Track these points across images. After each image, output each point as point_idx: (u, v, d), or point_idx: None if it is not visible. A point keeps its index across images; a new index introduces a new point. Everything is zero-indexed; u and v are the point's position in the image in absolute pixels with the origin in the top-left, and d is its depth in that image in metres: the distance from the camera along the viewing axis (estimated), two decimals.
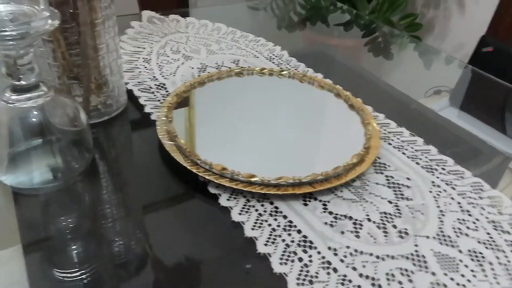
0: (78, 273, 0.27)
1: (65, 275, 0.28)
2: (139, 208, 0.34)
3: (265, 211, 0.33)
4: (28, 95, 0.31)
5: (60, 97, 0.34)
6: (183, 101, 0.45)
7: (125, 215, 0.33)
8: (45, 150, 0.34)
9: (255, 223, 0.32)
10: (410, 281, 0.28)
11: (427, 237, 0.32)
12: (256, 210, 0.33)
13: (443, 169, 0.39)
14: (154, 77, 0.50)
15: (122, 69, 0.43)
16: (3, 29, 0.26)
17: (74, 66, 0.38)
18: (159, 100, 0.46)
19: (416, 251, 0.30)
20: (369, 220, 0.33)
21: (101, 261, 0.29)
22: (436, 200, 0.35)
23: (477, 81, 0.78)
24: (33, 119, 0.32)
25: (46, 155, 0.34)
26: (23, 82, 0.30)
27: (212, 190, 0.34)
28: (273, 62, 0.57)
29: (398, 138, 0.43)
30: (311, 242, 0.30)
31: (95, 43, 0.38)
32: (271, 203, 0.33)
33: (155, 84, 0.49)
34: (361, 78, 0.58)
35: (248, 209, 0.33)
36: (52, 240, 0.30)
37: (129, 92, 0.47)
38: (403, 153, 0.41)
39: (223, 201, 0.33)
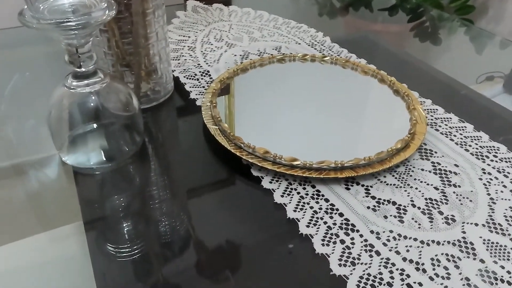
0: (130, 249, 0.30)
1: (119, 250, 0.30)
2: (184, 190, 0.36)
3: (307, 194, 0.33)
4: (87, 81, 0.33)
5: (115, 83, 0.36)
6: (226, 87, 0.46)
7: (171, 196, 0.35)
8: (100, 133, 0.36)
9: (297, 205, 0.32)
10: (457, 267, 0.28)
11: (476, 224, 0.31)
12: (298, 193, 0.33)
13: (495, 156, 0.37)
14: (198, 64, 0.52)
15: (170, 57, 0.45)
16: (67, 19, 0.28)
17: (127, 54, 0.40)
18: (203, 87, 0.47)
19: (464, 237, 0.30)
20: (413, 205, 0.32)
21: (149, 240, 0.31)
22: (487, 188, 0.34)
23: None
24: (91, 104, 0.35)
25: (101, 138, 0.37)
26: (83, 69, 0.33)
27: (255, 173, 0.35)
28: (315, 48, 0.56)
29: (446, 124, 0.41)
30: (353, 225, 0.30)
31: (146, 32, 0.39)
32: (313, 187, 0.34)
33: (200, 71, 0.50)
34: (407, 63, 0.57)
35: (290, 191, 0.33)
36: (108, 218, 0.33)
37: (175, 79, 0.49)
38: (451, 140, 0.39)
39: (266, 183, 0.34)
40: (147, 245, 0.30)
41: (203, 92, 0.46)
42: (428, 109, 0.44)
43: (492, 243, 0.29)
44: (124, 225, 0.32)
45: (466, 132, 0.40)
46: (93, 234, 0.31)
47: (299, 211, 0.32)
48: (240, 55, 0.54)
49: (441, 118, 0.42)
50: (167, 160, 0.39)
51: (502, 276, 0.27)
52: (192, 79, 0.49)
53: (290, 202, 0.32)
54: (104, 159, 0.36)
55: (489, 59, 0.84)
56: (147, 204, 0.34)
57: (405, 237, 0.30)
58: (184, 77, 0.49)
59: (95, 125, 0.36)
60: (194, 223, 0.32)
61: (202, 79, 0.49)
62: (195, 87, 0.47)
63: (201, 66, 0.51)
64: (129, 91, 0.37)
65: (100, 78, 0.34)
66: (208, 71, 0.50)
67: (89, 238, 0.30)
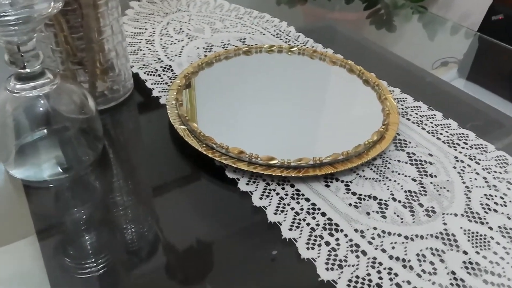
0: (93, 262, 0.27)
1: (80, 264, 0.27)
2: (153, 197, 0.33)
3: (286, 194, 0.32)
4: (33, 83, 0.30)
5: (66, 84, 0.32)
6: (191, 83, 0.43)
7: (139, 204, 0.32)
8: (53, 140, 0.33)
9: (277, 207, 0.30)
10: (442, 261, 0.27)
11: (455, 214, 0.31)
12: (277, 193, 0.32)
13: (465, 143, 0.38)
14: (159, 59, 0.48)
15: (127, 52, 0.41)
16: (4, 13, 0.24)
17: (78, 50, 0.36)
18: (166, 83, 0.44)
19: (445, 229, 0.29)
20: (394, 199, 0.32)
21: (116, 250, 0.28)
22: (461, 176, 0.34)
23: (487, 50, 0.76)
24: (40, 108, 0.31)
25: (54, 145, 0.33)
26: (27, 70, 0.29)
27: (230, 175, 0.33)
28: (281, 39, 0.55)
29: (416, 113, 0.41)
30: (336, 224, 0.29)
31: (99, 26, 0.36)
32: (292, 186, 0.32)
33: (161, 67, 0.47)
34: (371, 51, 0.56)
35: (269, 193, 0.32)
36: (66, 232, 0.29)
37: (135, 76, 0.45)
38: (423, 129, 0.39)
39: (242, 185, 0.32)
40: (114, 256, 0.27)
41: (166, 89, 0.43)
42: (398, 98, 0.44)
43: (472, 233, 0.29)
44: (85, 238, 0.29)
45: (436, 120, 0.41)
46: (49, 250, 0.27)
47: (280, 214, 0.30)
48: (203, 48, 0.51)
49: (411, 107, 0.42)
50: (131, 165, 0.36)
51: (485, 267, 0.27)
52: (154, 75, 0.46)
53: (269, 205, 0.31)
54: (59, 170, 0.32)
55: (443, 45, 0.86)
56: (112, 214, 0.31)
57: (389, 234, 0.29)
58: (145, 73, 0.46)
59: (46, 132, 0.32)
60: (165, 232, 0.30)
61: (164, 74, 0.46)
62: (158, 84, 0.44)
63: (162, 61, 0.48)
64: (84, 91, 0.33)
65: (48, 79, 0.30)
66: (170, 66, 0.47)
67: (45, 256, 0.27)
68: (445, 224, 0.30)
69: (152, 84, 0.44)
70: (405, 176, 0.34)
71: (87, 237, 0.29)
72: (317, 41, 0.55)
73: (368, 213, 0.30)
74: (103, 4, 0.35)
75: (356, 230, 0.29)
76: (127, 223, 0.30)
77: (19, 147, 0.32)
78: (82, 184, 0.33)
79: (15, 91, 0.29)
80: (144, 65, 0.47)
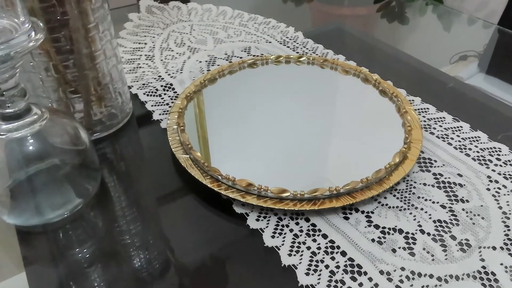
0: None
1: None
2: (159, 235, 0.30)
3: (301, 231, 0.28)
4: (20, 122, 0.27)
5: (56, 117, 0.30)
6: (194, 102, 0.40)
7: (144, 244, 0.29)
8: (46, 180, 0.30)
9: (292, 246, 0.27)
10: None
11: (494, 248, 0.27)
12: (291, 230, 0.29)
13: (498, 159, 0.34)
14: (159, 76, 0.46)
15: (124, 75, 0.38)
16: None
17: (71, 79, 0.33)
18: (167, 104, 0.41)
19: (484, 267, 0.26)
20: (422, 232, 0.28)
21: None
22: (497, 200, 0.30)
23: (509, 43, 0.71)
24: (29, 148, 0.28)
25: (49, 185, 0.30)
26: (10, 110, 0.26)
27: (238, 210, 0.30)
28: (288, 46, 0.51)
29: (440, 126, 0.38)
30: (359, 266, 0.26)
31: (91, 51, 0.33)
32: (307, 220, 0.29)
33: (161, 85, 0.44)
34: (384, 54, 0.52)
35: (282, 229, 0.29)
36: (63, 280, 0.27)
37: (134, 97, 0.42)
38: (449, 144, 0.36)
39: (252, 222, 0.29)
40: None
41: (167, 111, 0.40)
42: (419, 109, 0.40)
43: None
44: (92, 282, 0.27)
45: (463, 133, 0.37)
46: None
47: (295, 255, 0.27)
48: (206, 61, 0.48)
49: (434, 118, 0.39)
50: (133, 200, 0.33)
51: None
52: (154, 95, 0.43)
53: (283, 244, 0.28)
54: (56, 212, 0.30)
55: (460, 37, 0.81)
56: (114, 258, 0.28)
57: (420, 275, 0.26)
58: (144, 93, 0.43)
59: (37, 173, 0.30)
60: (175, 274, 0.27)
61: (165, 94, 0.43)
62: (158, 105, 0.41)
63: (162, 79, 0.45)
64: (75, 124, 0.31)
65: (36, 115, 0.28)
66: (171, 84, 0.44)
67: None
68: (482, 260, 0.26)
69: (152, 106, 0.41)
70: (433, 202, 0.30)
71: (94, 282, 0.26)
72: (327, 46, 0.51)
73: (394, 250, 0.27)
74: (93, 28, 0.32)
75: (381, 272, 0.26)
76: (132, 269, 0.27)
77: (12, 190, 0.30)
78: (81, 224, 0.31)
79: (1, 133, 0.27)
80: (143, 84, 0.44)
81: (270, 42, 0.52)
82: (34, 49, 0.31)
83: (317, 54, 0.49)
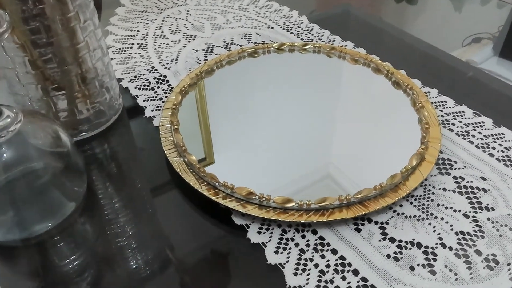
0: None
1: None
2: (150, 245, 0.27)
3: (308, 245, 0.26)
4: None
5: (33, 119, 0.27)
6: (189, 97, 0.37)
7: (135, 255, 0.26)
8: (26, 188, 0.27)
9: (298, 264, 0.25)
10: None
11: None
12: (297, 244, 0.26)
13: None
14: (152, 67, 0.42)
15: (111, 68, 0.35)
16: None
17: (51, 74, 0.30)
18: (161, 99, 0.38)
19: None
20: (443, 246, 0.25)
21: None
22: None
23: None
24: (4, 155, 0.25)
25: (29, 194, 0.27)
26: None
27: (238, 221, 0.27)
28: (292, 33, 0.47)
29: (460, 121, 0.34)
30: (373, 287, 0.23)
31: (72, 43, 0.30)
32: (314, 232, 0.26)
33: (155, 78, 0.41)
34: (395, 40, 0.48)
35: (286, 244, 0.26)
36: None
37: (125, 91, 0.39)
38: (471, 142, 0.32)
39: (253, 235, 0.26)
40: None
41: (161, 107, 0.37)
42: (435, 102, 0.36)
43: None
44: None
45: (485, 129, 0.33)
46: None
47: (301, 274, 0.24)
48: (203, 50, 0.45)
49: (453, 113, 0.35)
50: (123, 205, 0.30)
51: None
52: (146, 88, 0.39)
53: (287, 262, 0.25)
54: (37, 224, 0.27)
55: (473, 18, 0.76)
56: (104, 270, 0.26)
57: None
58: (136, 87, 0.39)
59: (15, 182, 0.27)
60: None
61: (158, 87, 0.40)
62: (151, 100, 0.38)
63: (156, 70, 0.42)
64: (54, 126, 0.28)
65: (8, 118, 0.25)
66: (165, 76, 0.41)
67: None
68: None
69: (144, 101, 0.38)
70: (454, 211, 0.27)
71: None
72: (333, 32, 0.47)
73: (412, 268, 0.24)
74: (73, 17, 0.29)
75: None
76: (124, 279, 0.25)
77: None
78: (69, 234, 0.28)
79: None
80: (135, 76, 0.41)
81: (272, 28, 0.48)
82: (8, 42, 0.28)
83: (323, 41, 0.45)
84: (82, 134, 0.34)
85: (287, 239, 0.26)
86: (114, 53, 0.45)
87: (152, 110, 0.37)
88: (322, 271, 0.24)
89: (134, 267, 0.26)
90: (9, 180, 0.26)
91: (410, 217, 0.27)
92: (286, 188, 0.27)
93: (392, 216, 0.27)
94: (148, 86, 0.40)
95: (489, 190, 0.29)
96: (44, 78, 0.30)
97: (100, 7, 0.54)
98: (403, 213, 0.27)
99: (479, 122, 0.34)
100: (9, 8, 0.26)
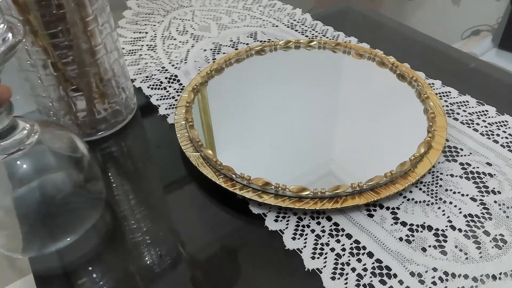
0: None
1: None
2: (171, 236, 0.29)
3: (323, 231, 0.27)
4: (5, 142, 0.23)
5: (49, 130, 0.27)
6: (201, 95, 0.38)
7: (155, 245, 0.28)
8: (46, 205, 0.26)
9: (314, 249, 0.26)
10: None
11: None
12: (313, 230, 0.27)
13: None
14: (163, 67, 0.43)
15: (127, 69, 0.36)
16: None
17: (71, 76, 0.31)
18: (173, 97, 0.39)
19: None
20: (453, 228, 0.27)
21: None
22: None
23: None
24: (21, 170, 0.25)
25: (50, 211, 0.26)
26: None
27: (255, 210, 0.28)
28: (296, 30, 0.49)
29: (464, 111, 0.36)
30: (388, 268, 0.25)
31: (91, 45, 0.31)
32: (329, 219, 0.28)
33: (166, 78, 0.42)
34: (398, 34, 0.50)
35: (303, 230, 0.27)
36: None
37: (138, 91, 0.40)
38: (475, 130, 0.33)
39: (270, 223, 0.27)
40: None
41: (174, 105, 0.38)
42: (440, 93, 0.38)
43: None
44: None
45: (489, 117, 0.35)
46: None
47: (318, 258, 0.25)
48: (211, 49, 0.46)
49: (457, 103, 0.36)
50: (142, 200, 0.31)
51: None
52: (158, 88, 0.41)
53: (305, 247, 0.26)
54: (63, 239, 0.27)
55: (472, 10, 0.77)
56: (125, 258, 0.27)
57: (454, 276, 0.24)
58: (148, 87, 0.41)
59: (36, 198, 0.26)
60: (195, 280, 0.25)
61: (170, 86, 0.41)
62: (164, 99, 0.39)
63: (166, 70, 0.43)
64: (70, 135, 0.28)
65: (25, 131, 0.24)
66: (176, 76, 0.42)
67: None
68: None
69: (157, 100, 0.39)
70: (462, 195, 0.29)
71: None
72: (337, 28, 0.48)
73: (424, 249, 0.25)
74: (92, 21, 0.30)
75: (412, 274, 0.24)
76: (150, 278, 0.26)
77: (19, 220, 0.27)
78: (86, 246, 0.28)
79: None
80: (147, 77, 0.42)
81: (277, 26, 0.50)
82: (30, 46, 0.29)
83: (327, 37, 0.47)
84: (100, 133, 0.35)
85: (303, 226, 0.27)
86: (125, 55, 0.46)
87: (166, 109, 0.38)
88: (338, 255, 0.25)
89: (154, 259, 0.27)
90: (29, 191, 0.26)
91: (420, 202, 0.28)
92: (299, 178, 0.29)
93: (402, 202, 0.28)
94: (160, 85, 0.41)
95: (495, 174, 0.30)
96: (64, 80, 0.32)
97: None
98: (413, 199, 0.28)
99: (483, 111, 0.35)
100: (32, 13, 0.27)
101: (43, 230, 0.26)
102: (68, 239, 0.27)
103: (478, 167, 0.30)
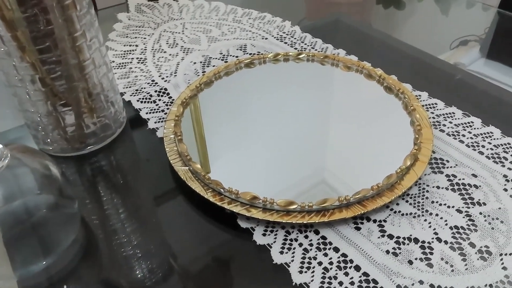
0: None
1: None
2: (159, 250, 0.29)
3: (311, 245, 0.27)
4: None
5: (19, 154, 0.26)
6: (191, 108, 0.38)
7: (143, 258, 0.28)
8: (18, 230, 0.25)
9: (302, 263, 0.26)
10: None
11: None
12: (300, 244, 0.27)
13: None
14: (153, 81, 0.44)
15: (116, 83, 0.36)
16: None
17: (59, 91, 0.31)
18: (163, 111, 0.40)
19: (507, 276, 0.25)
20: (439, 240, 0.27)
21: None
22: None
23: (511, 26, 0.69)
24: None
25: (21, 235, 0.26)
26: None
27: (243, 224, 0.28)
28: (286, 42, 0.49)
29: (450, 122, 0.36)
30: (374, 281, 0.25)
31: (79, 61, 0.31)
32: (316, 233, 0.28)
33: (155, 91, 0.42)
34: (386, 46, 0.50)
35: (291, 244, 0.27)
36: None
37: (127, 104, 0.40)
38: (461, 141, 0.34)
39: (258, 237, 0.28)
40: None
41: (163, 118, 0.38)
42: (426, 105, 0.38)
43: None
44: None
45: (475, 129, 0.35)
46: None
47: (305, 272, 0.25)
48: (201, 62, 0.46)
49: (443, 114, 0.37)
50: (131, 213, 0.31)
51: None
52: (148, 101, 0.41)
53: (292, 261, 0.26)
54: (36, 263, 0.26)
55: (460, 21, 0.78)
56: (113, 272, 0.27)
57: None
58: (138, 100, 0.41)
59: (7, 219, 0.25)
60: None
61: (159, 100, 0.41)
62: (153, 112, 0.39)
63: (156, 83, 0.43)
64: (44, 160, 0.27)
65: None
66: (166, 89, 0.42)
67: None
68: (505, 268, 0.25)
69: (147, 113, 0.39)
70: (448, 207, 0.29)
71: None
72: (325, 40, 0.49)
73: (410, 262, 0.26)
74: (80, 36, 0.30)
75: (399, 287, 0.24)
76: (129, 276, 0.26)
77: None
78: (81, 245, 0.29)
79: None
80: (136, 90, 0.42)
81: (266, 39, 0.50)
82: (18, 62, 0.29)
83: (316, 50, 0.47)
84: (89, 147, 0.35)
85: (291, 240, 0.27)
86: (114, 68, 0.46)
87: (155, 122, 0.38)
88: (325, 268, 0.26)
89: (144, 274, 0.27)
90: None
91: (407, 214, 0.29)
92: (287, 191, 0.29)
93: (389, 214, 0.29)
94: (149, 99, 0.41)
95: (480, 186, 0.30)
96: (52, 95, 0.32)
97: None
98: (399, 211, 0.29)
99: (468, 122, 0.36)
100: (20, 29, 0.28)
101: (15, 254, 0.26)
102: (44, 262, 0.26)
103: (463, 179, 0.31)
